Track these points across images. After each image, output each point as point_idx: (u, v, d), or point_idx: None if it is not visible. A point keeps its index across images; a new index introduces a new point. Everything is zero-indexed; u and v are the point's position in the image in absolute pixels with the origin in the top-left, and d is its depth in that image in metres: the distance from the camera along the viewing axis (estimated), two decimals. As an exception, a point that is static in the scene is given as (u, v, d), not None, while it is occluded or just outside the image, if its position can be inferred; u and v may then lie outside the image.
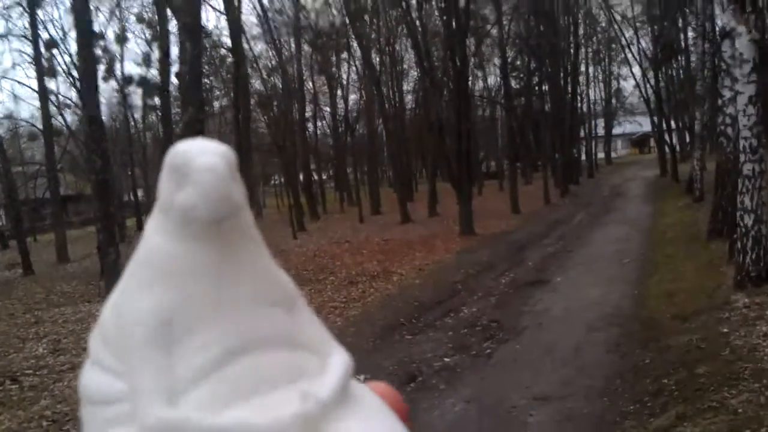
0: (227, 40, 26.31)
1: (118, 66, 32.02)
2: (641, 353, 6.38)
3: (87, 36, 14.68)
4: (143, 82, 32.12)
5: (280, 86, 30.06)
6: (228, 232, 0.46)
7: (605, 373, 6.05)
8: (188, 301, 0.43)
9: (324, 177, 44.36)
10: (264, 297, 0.46)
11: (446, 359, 7.16)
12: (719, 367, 5.23)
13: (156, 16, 23.69)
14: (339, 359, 0.47)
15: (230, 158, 0.45)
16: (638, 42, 36.25)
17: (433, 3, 23.90)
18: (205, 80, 27.52)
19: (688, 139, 37.90)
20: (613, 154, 60.09)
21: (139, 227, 31.69)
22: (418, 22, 22.82)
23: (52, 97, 27.82)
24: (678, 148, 37.16)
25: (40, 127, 26.92)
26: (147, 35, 31.66)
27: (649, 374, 5.69)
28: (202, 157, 0.44)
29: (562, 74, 34.85)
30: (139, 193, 37.19)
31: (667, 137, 33.45)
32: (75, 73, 24.34)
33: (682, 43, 32.51)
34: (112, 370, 0.46)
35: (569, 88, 36.88)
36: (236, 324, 0.43)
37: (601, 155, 54.49)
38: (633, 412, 5.00)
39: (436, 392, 6.16)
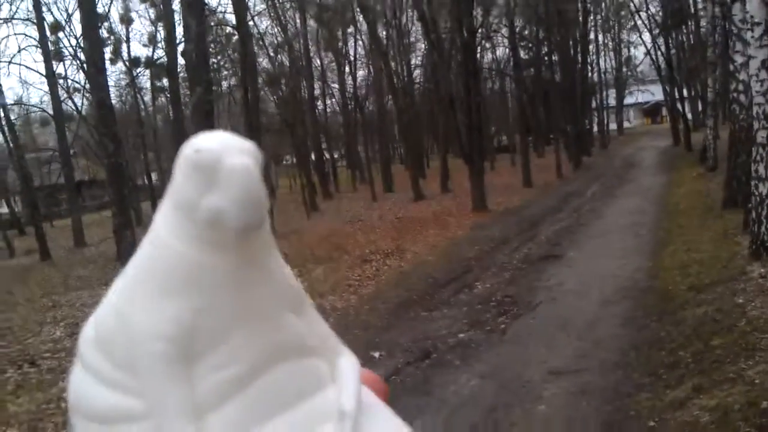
0: (232, 18, 26.19)
1: (124, 48, 32.03)
2: (656, 326, 6.37)
3: (92, 17, 14.67)
4: (150, 63, 32.08)
5: (288, 64, 29.94)
6: (253, 240, 0.44)
7: (620, 346, 6.05)
8: (211, 314, 0.41)
9: (335, 156, 44.30)
10: (281, 306, 0.45)
11: (461, 335, 7.18)
12: (735, 338, 5.21)
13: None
14: (349, 364, 0.47)
15: (259, 158, 0.43)
16: (647, 7, 35.71)
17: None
18: (212, 60, 27.46)
19: (700, 108, 37.46)
20: (626, 124, 59.59)
21: (155, 211, 31.78)
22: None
23: (61, 82, 27.88)
24: (690, 116, 36.75)
25: (51, 112, 27.00)
26: (151, 15, 31.62)
27: (665, 347, 5.69)
28: (233, 158, 0.42)
29: (571, 43, 34.45)
30: (153, 176, 37.32)
31: (679, 106, 33.08)
32: (82, 56, 24.31)
33: (692, 8, 31.98)
34: (117, 384, 0.44)
35: (579, 58, 36.48)
36: (257, 338, 0.42)
37: (613, 126, 54.01)
38: (648, 384, 5.00)
39: (451, 368, 6.19)
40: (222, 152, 0.41)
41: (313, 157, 32.53)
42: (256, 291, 0.44)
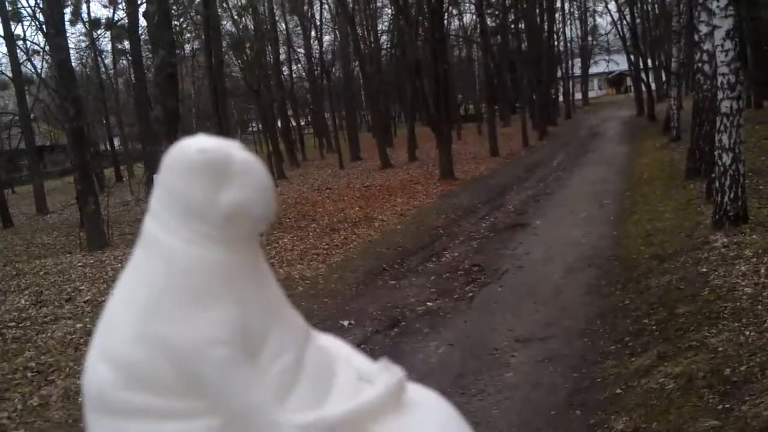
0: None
1: (84, 9, 31.11)
2: (621, 294, 6.48)
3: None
4: (111, 24, 31.24)
5: (252, 27, 29.41)
6: (257, 233, 0.43)
7: (586, 314, 6.14)
8: (251, 308, 0.41)
9: (302, 123, 43.87)
10: (282, 293, 0.44)
11: (429, 303, 7.22)
12: (699, 306, 5.32)
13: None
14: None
15: None
16: (613, -26, 35.75)
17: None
18: (175, 22, 26.81)
19: (664, 78, 37.85)
20: (590, 94, 60.01)
21: (118, 178, 31.28)
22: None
23: (20, 43, 27.02)
24: (654, 87, 37.12)
25: (10, 75, 26.19)
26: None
27: (630, 315, 5.79)
28: (239, 152, 0.41)
29: (537, 11, 34.40)
30: (116, 141, 36.58)
31: (643, 76, 33.38)
32: (41, 17, 23.55)
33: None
34: (178, 413, 0.42)
35: (545, 26, 36.48)
36: (288, 325, 0.41)
37: (578, 96, 54.35)
38: (614, 352, 5.09)
39: (419, 336, 6.23)
40: (227, 148, 0.39)
41: (279, 124, 32.15)
42: (268, 284, 0.44)
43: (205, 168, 0.36)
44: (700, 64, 11.16)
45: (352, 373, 0.42)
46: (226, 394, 0.38)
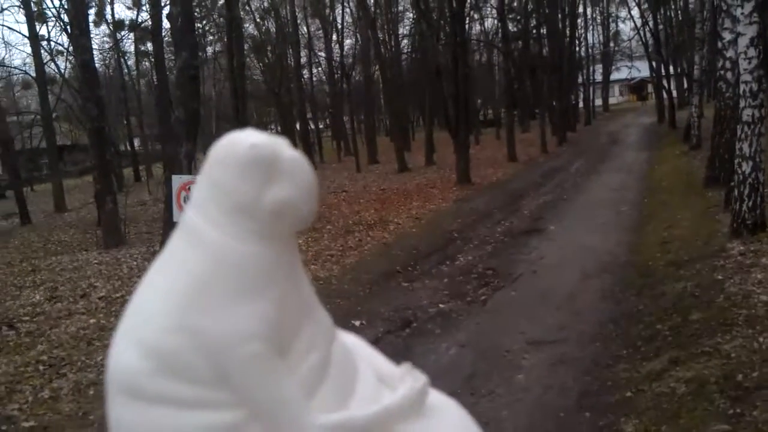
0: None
1: (108, 10, 31.45)
2: (635, 300, 6.43)
3: (76, -22, 14.33)
4: (135, 26, 31.55)
5: (274, 30, 29.58)
6: (296, 232, 0.44)
7: (599, 319, 6.10)
8: (287, 305, 0.42)
9: (321, 126, 44.03)
10: (313, 292, 0.45)
11: (441, 305, 7.21)
12: (713, 313, 5.27)
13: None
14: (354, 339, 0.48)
15: None
16: (636, -20, 35.57)
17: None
18: (198, 24, 27.03)
19: (686, 85, 37.55)
20: (611, 100, 59.66)
21: (137, 178, 31.56)
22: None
23: (44, 44, 27.35)
24: (676, 94, 36.84)
25: (33, 74, 26.51)
26: (137, -24, 30.97)
27: (643, 320, 5.75)
28: (288, 149, 0.42)
29: (559, 16, 34.28)
30: (136, 142, 36.90)
31: (665, 83, 33.13)
32: (66, 18, 23.84)
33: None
34: (208, 403, 0.43)
35: (567, 32, 36.34)
36: (318, 324, 0.42)
37: (598, 102, 54.05)
38: (626, 356, 5.06)
39: (431, 337, 6.22)
40: (276, 144, 0.41)
41: (298, 126, 32.29)
42: (303, 283, 0.45)
43: (254, 164, 0.38)
44: (722, 72, 11.07)
45: (373, 376, 0.43)
46: (256, 387, 0.39)
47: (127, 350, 0.49)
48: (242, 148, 0.39)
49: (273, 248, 0.36)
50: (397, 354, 4.84)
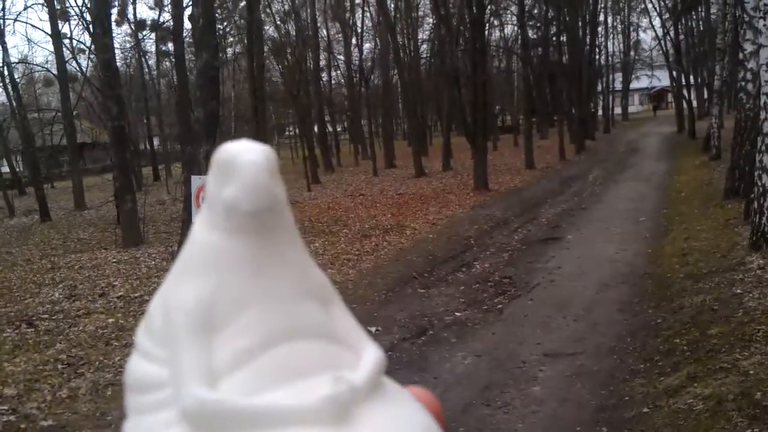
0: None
1: (130, 9, 31.73)
2: (653, 312, 6.40)
3: (99, -22, 14.49)
4: (156, 26, 31.81)
5: (294, 33, 29.70)
6: (269, 227, 0.47)
7: (616, 332, 6.07)
8: (229, 289, 0.45)
9: (339, 129, 44.12)
10: (301, 290, 0.47)
11: (457, 313, 7.20)
12: (732, 328, 5.23)
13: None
14: (373, 353, 0.48)
15: (271, 156, 0.47)
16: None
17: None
18: (218, 26, 27.22)
19: (706, 96, 37.27)
20: (630, 109, 59.31)
21: (156, 177, 31.79)
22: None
23: (66, 42, 27.63)
24: (696, 104, 36.56)
25: (55, 72, 26.78)
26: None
27: (661, 334, 5.71)
28: (245, 155, 0.45)
29: (580, 24, 34.16)
30: (155, 141, 37.17)
31: (685, 93, 32.90)
32: (88, 17, 24.09)
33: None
34: (156, 357, 0.48)
35: (587, 40, 36.20)
36: (275, 313, 0.44)
37: (617, 110, 53.74)
38: (643, 370, 5.03)
39: (446, 345, 6.22)
40: (238, 151, 0.45)
41: (316, 129, 32.38)
42: (272, 276, 0.47)
43: (217, 166, 0.42)
44: (743, 83, 11.00)
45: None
46: (171, 354, 0.43)
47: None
48: (218, 152, 0.43)
49: (230, 239, 0.40)
50: (411, 363, 4.84)
